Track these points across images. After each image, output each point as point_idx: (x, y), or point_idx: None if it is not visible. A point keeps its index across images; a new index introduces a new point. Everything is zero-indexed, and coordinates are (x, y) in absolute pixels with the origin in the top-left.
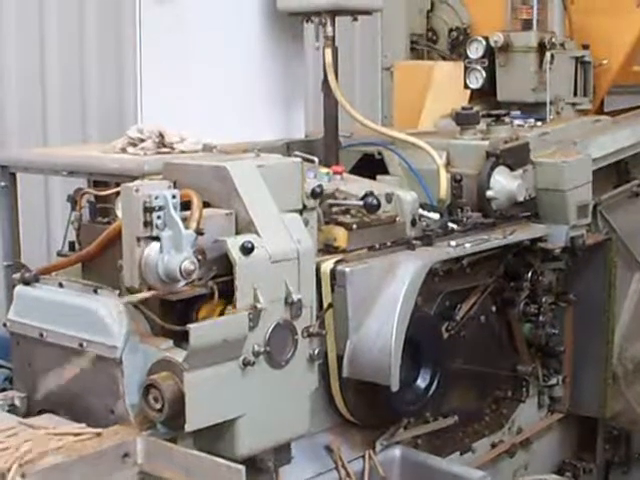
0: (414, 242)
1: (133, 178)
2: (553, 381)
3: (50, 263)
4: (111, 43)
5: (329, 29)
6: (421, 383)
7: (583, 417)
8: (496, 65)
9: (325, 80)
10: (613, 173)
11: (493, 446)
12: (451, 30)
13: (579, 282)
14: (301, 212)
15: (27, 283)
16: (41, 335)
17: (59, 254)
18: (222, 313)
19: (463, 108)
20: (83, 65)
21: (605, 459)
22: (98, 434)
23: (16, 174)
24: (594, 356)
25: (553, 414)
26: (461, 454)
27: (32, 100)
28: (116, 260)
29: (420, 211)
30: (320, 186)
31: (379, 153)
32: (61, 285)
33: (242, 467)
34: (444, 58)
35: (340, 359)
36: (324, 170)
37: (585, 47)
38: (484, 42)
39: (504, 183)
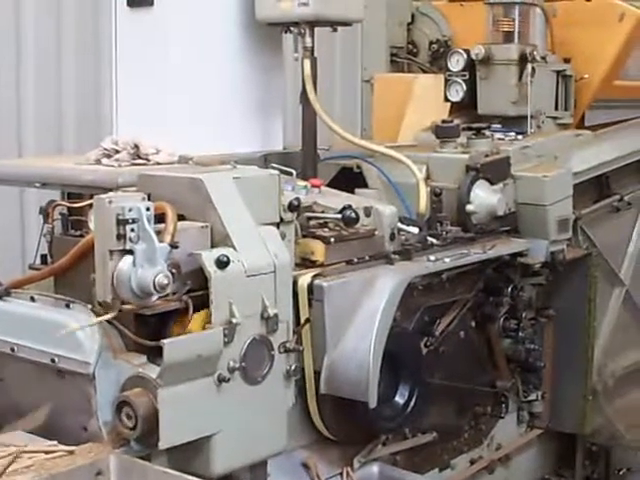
0: (393, 256)
1: (107, 190)
2: (532, 397)
3: (22, 276)
4: (88, 54)
5: (308, 40)
6: (399, 399)
7: (563, 433)
8: (477, 78)
9: (304, 91)
10: (594, 188)
11: (472, 462)
12: (431, 43)
13: (559, 297)
14: (278, 225)
15: None
16: (12, 350)
17: (31, 267)
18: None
19: (443, 121)
20: (60, 75)
21: (584, 475)
22: (70, 452)
23: None
24: (574, 372)
25: (532, 430)
26: (440, 471)
27: (7, 110)
28: (89, 274)
29: (399, 225)
30: (298, 199)
31: (358, 166)
32: (33, 299)
33: None
34: (424, 71)
35: (317, 375)
36: (302, 183)
37: (566, 61)
38: (465, 55)
39: (484, 197)
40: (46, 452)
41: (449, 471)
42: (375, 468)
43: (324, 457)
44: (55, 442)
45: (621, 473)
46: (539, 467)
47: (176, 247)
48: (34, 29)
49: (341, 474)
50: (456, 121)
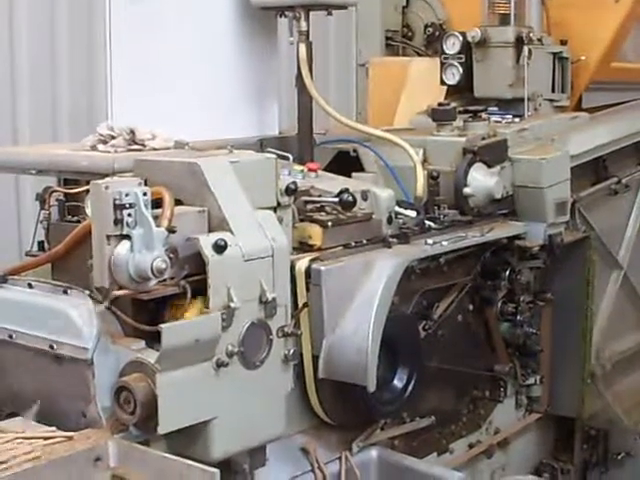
0: (390, 240)
1: (103, 176)
2: (531, 381)
3: (19, 263)
4: (82, 40)
5: (303, 24)
6: (398, 383)
7: (561, 417)
8: (473, 61)
9: (299, 75)
10: (591, 170)
11: (470, 447)
12: (427, 26)
13: (557, 281)
14: (275, 209)
15: None
16: (10, 337)
17: (28, 254)
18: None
19: (440, 104)
20: (53, 63)
21: (583, 459)
22: (69, 438)
23: None
24: (572, 356)
25: (531, 414)
26: (438, 455)
27: (1, 98)
28: (86, 259)
29: (396, 208)
30: (294, 183)
31: (354, 150)
32: (30, 286)
33: (216, 470)
34: (419, 54)
35: (316, 359)
36: (298, 167)
37: (563, 43)
38: (461, 37)
39: (481, 180)
40: (45, 438)
41: (447, 455)
42: (374, 452)
43: (323, 442)
44: (54, 428)
45: (619, 457)
46: (537, 451)
47: (173, 232)
48: (27, 19)
49: (340, 458)
50: (452, 104)
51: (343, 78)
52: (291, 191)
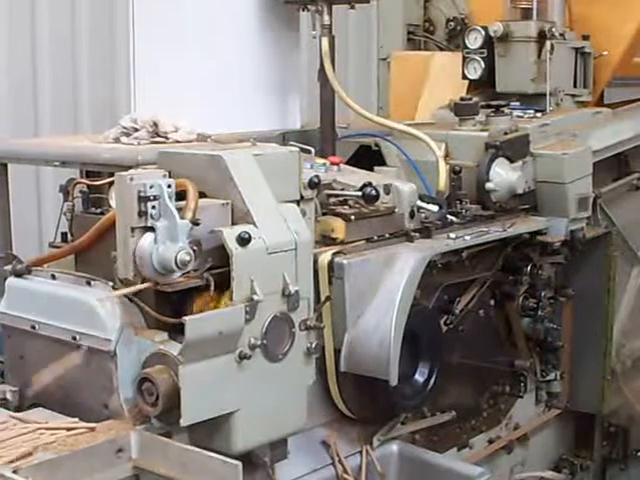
0: (413, 234)
1: (127, 168)
2: (551, 376)
3: (42, 254)
4: (104, 32)
5: (326, 17)
6: (419, 377)
7: (581, 413)
8: (495, 55)
9: (322, 69)
10: (613, 166)
11: (490, 442)
12: (449, 20)
13: (578, 276)
14: (298, 203)
15: (19, 275)
16: (33, 328)
17: (51, 245)
18: (218, 305)
19: (462, 99)
20: (75, 55)
21: (602, 455)
22: (92, 429)
23: (7, 165)
24: (592, 351)
25: (551, 410)
26: (458, 450)
27: (23, 90)
28: (110, 251)
29: (419, 203)
30: (317, 176)
31: (376, 144)
32: (54, 277)
33: (238, 463)
34: (441, 49)
35: (337, 353)
36: (321, 161)
37: (585, 38)
38: (483, 32)
39: (504, 175)
40: (67, 429)
41: (467, 450)
42: (394, 447)
43: (343, 435)
44: (76, 419)
45: (639, 454)
46: (557, 447)
47: (197, 224)
48: (49, 11)
49: (360, 452)
50: (475, 99)
51: (364, 72)
52: (314, 184)
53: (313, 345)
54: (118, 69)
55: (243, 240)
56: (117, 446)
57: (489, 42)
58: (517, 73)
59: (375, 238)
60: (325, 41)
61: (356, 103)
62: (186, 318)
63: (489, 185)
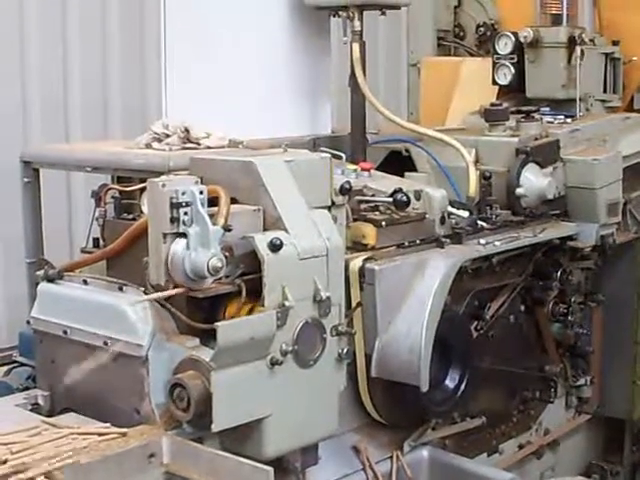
0: (443, 240)
1: (158, 174)
2: (581, 382)
3: (74, 260)
4: (134, 39)
5: (357, 23)
6: (450, 383)
7: (611, 418)
8: (525, 61)
9: (352, 75)
10: None
11: (520, 447)
12: (479, 26)
13: (608, 282)
14: (330, 209)
15: (51, 280)
16: (65, 332)
17: (83, 251)
18: (250, 311)
19: (492, 104)
20: (105, 61)
21: (632, 461)
22: (123, 434)
23: (39, 170)
24: (623, 357)
25: (581, 415)
26: (488, 455)
27: (54, 96)
28: (141, 257)
29: (449, 208)
30: (349, 182)
31: (406, 150)
32: (85, 282)
33: (270, 469)
34: (471, 54)
35: (368, 358)
36: (351, 167)
37: (615, 43)
38: (513, 38)
39: (534, 181)
40: (99, 434)
41: (497, 455)
42: (425, 452)
43: (374, 441)
44: (108, 424)
45: None
46: (587, 452)
47: (229, 230)
48: (79, 17)
49: (391, 458)
50: (505, 104)
51: (394, 78)
52: (345, 190)
53: (344, 351)
54: (149, 74)
55: (275, 246)
56: (149, 451)
57: (519, 48)
58: (547, 79)
59: (406, 244)
60: (356, 47)
61: (386, 109)
62: (218, 324)
63: (519, 191)
